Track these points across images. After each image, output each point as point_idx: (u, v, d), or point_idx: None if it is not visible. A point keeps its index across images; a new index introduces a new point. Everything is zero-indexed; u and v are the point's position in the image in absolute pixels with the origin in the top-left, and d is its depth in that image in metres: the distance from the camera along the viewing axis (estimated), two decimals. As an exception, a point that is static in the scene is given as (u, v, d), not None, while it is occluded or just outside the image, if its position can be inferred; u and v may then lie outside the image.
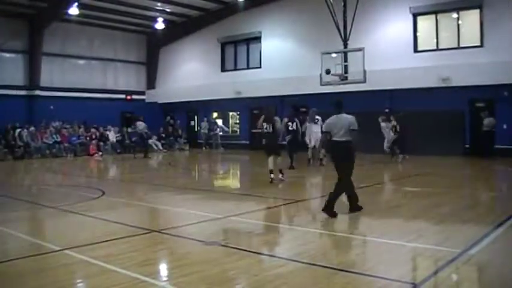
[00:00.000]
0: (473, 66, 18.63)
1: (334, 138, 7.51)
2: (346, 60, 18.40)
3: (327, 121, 7.81)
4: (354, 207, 7.67)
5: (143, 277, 4.65)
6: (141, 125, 22.48)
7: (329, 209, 7.32)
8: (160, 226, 7.17)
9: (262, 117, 12.49)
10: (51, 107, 25.57)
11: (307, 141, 16.16)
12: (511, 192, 11.75)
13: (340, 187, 7.52)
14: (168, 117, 29.70)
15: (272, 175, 11.93)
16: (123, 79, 30.21)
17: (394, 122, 18.19)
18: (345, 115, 7.62)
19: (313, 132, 15.72)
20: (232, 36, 27.57)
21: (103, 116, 26.12)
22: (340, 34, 19.02)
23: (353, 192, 7.71)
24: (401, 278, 4.61)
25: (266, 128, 12.20)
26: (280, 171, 12.21)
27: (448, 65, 19.29)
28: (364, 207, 7.82)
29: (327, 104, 22.21)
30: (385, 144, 18.63)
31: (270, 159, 12.05)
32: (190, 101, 28.38)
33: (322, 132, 7.91)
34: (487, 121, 18.63)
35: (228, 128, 27.90)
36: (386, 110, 19.75)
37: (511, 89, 18.51)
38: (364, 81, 17.53)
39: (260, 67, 26.42)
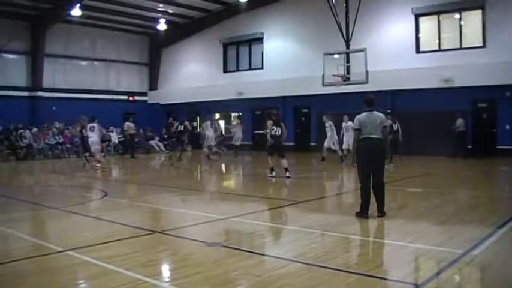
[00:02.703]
0: (476, 67, 18.63)
1: (366, 136, 7.45)
2: (348, 61, 18.44)
3: (358, 118, 7.59)
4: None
5: (146, 278, 4.66)
6: (127, 125, 22.73)
7: (383, 211, 7.49)
8: (162, 227, 7.18)
9: (270, 121, 13.82)
10: (54, 108, 25.65)
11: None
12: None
13: (382, 183, 7.52)
14: (171, 118, 29.70)
15: (274, 172, 13.35)
16: (125, 80, 30.28)
17: (389, 121, 17.71)
18: (376, 112, 7.60)
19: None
20: (235, 37, 27.62)
21: (105, 117, 26.12)
22: (342, 35, 19.04)
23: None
24: (404, 279, 4.60)
25: (276, 132, 13.24)
26: (286, 170, 13.14)
27: (450, 65, 19.30)
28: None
29: (328, 104, 22.43)
30: (334, 146, 17.47)
31: (272, 158, 13.44)
32: (193, 102, 28.42)
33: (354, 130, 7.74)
34: (459, 122, 18.77)
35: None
36: (389, 111, 19.75)
37: (513, 89, 18.52)
38: (367, 82, 17.54)
39: (262, 68, 26.47)
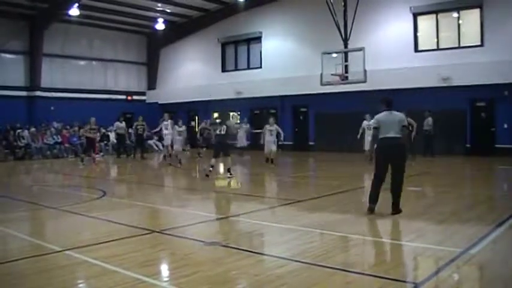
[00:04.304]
0: (474, 66, 18.64)
1: (385, 135, 7.48)
2: (346, 60, 18.43)
3: (377, 117, 7.64)
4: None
5: (144, 278, 4.65)
6: (116, 125, 22.91)
7: (397, 209, 7.51)
8: (161, 226, 7.18)
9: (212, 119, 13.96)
10: (52, 107, 25.63)
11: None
12: (511, 192, 11.78)
13: (400, 183, 7.52)
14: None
15: (211, 169, 13.33)
16: (123, 80, 30.26)
17: (409, 119, 17.54)
18: (395, 112, 7.61)
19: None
20: (233, 37, 27.61)
21: (104, 117, 26.10)
22: (341, 34, 19.04)
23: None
24: (402, 278, 4.61)
25: (220, 131, 13.38)
26: (229, 170, 13.36)
27: (448, 64, 19.30)
28: (365, 207, 7.82)
29: (327, 103, 22.40)
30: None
31: (216, 159, 13.56)
32: (191, 102, 28.41)
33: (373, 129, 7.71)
34: (428, 121, 18.75)
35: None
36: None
37: (511, 88, 18.52)
38: (365, 81, 17.55)
39: (261, 67, 26.46)
